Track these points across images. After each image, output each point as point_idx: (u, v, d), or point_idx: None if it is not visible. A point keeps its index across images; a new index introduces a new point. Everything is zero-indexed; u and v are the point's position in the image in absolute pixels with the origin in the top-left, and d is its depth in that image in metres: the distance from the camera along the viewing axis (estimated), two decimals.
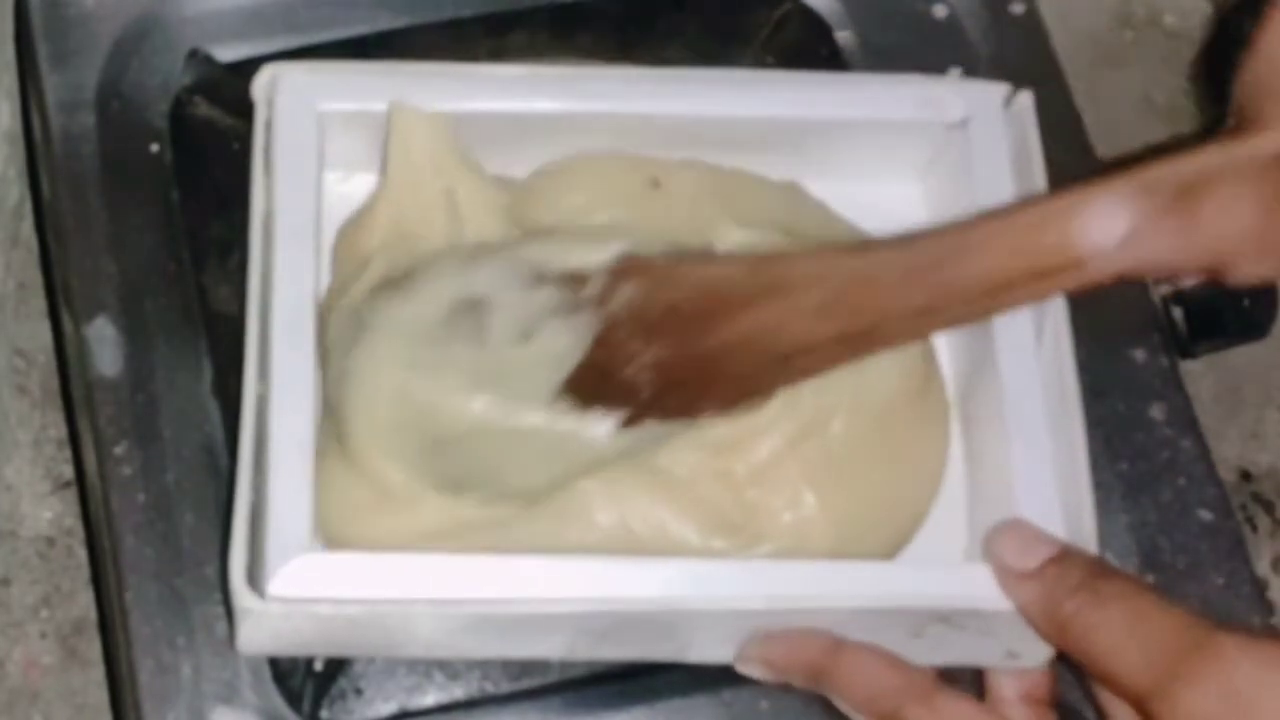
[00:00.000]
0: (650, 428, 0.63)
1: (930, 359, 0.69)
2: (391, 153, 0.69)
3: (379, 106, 0.69)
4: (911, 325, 0.63)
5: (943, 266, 0.61)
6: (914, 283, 0.61)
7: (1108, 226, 0.59)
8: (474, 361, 0.63)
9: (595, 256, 0.64)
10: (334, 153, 0.69)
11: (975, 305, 0.62)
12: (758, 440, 0.65)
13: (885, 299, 0.62)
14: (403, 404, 0.63)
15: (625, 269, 0.64)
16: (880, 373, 0.66)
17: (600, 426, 0.63)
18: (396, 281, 0.65)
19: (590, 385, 0.63)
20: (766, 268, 0.64)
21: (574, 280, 0.64)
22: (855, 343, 0.63)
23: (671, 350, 0.63)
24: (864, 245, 0.67)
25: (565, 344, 0.63)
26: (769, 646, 0.63)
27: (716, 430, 0.65)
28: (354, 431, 0.64)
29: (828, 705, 0.63)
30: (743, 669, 0.64)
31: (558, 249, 0.65)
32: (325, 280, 0.68)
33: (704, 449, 0.65)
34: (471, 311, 0.64)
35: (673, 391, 0.63)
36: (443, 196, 0.68)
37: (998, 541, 0.62)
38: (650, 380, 0.63)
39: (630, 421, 0.63)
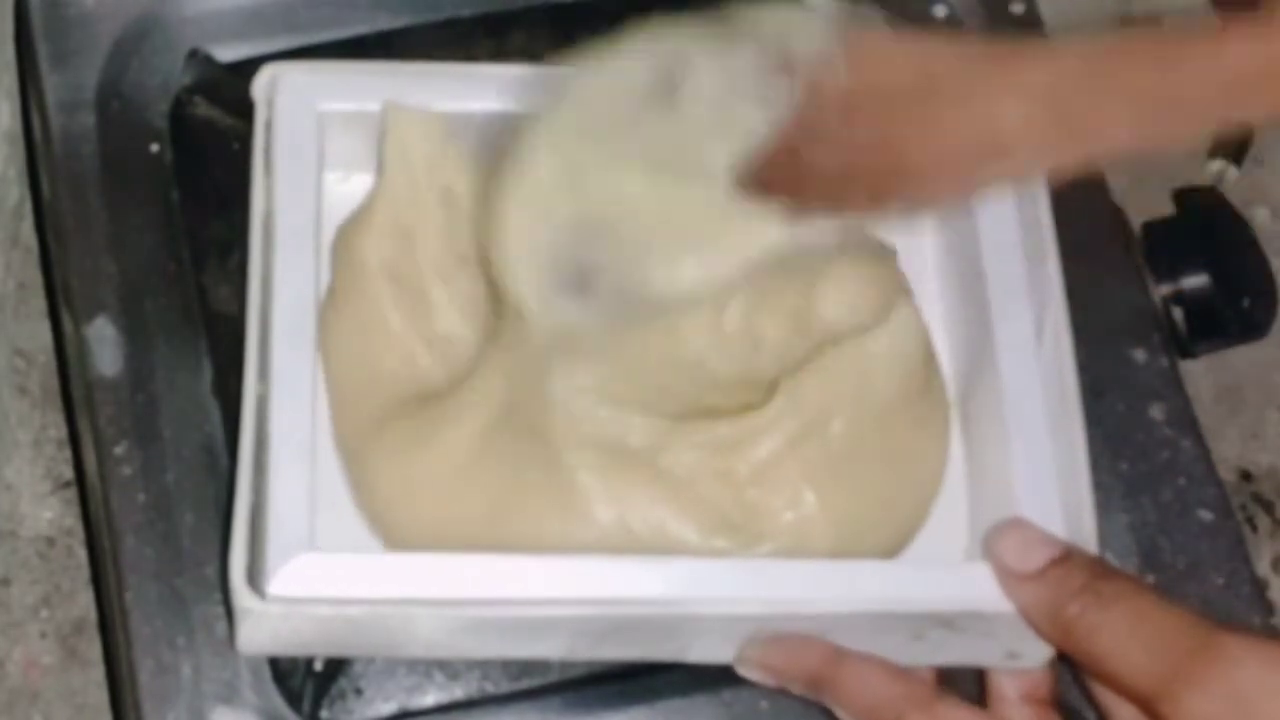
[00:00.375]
0: (817, 230, 0.59)
1: (930, 359, 0.68)
2: (387, 152, 0.69)
3: (379, 107, 0.69)
4: (1129, 133, 0.55)
5: (1184, 65, 0.54)
6: (1146, 84, 0.55)
7: None
8: (655, 127, 0.60)
9: (808, 29, 0.59)
10: (334, 153, 0.69)
11: (1213, 110, 0.55)
12: (758, 440, 0.65)
13: (1110, 101, 0.55)
14: (566, 170, 0.60)
15: (837, 43, 0.58)
16: (880, 373, 0.66)
17: (772, 213, 0.59)
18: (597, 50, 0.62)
19: (773, 167, 0.59)
20: (993, 53, 0.58)
21: (781, 52, 0.59)
22: (1063, 148, 0.57)
23: (868, 131, 0.58)
24: (1100, 37, 0.58)
25: (758, 116, 0.59)
26: (768, 651, 0.63)
27: (717, 430, 0.65)
28: (505, 196, 0.61)
29: (828, 708, 0.63)
30: (742, 672, 0.64)
31: (770, 19, 0.60)
32: (325, 280, 0.68)
33: (704, 448, 0.65)
34: (664, 79, 0.60)
35: (859, 179, 0.58)
36: (441, 194, 0.68)
37: (998, 542, 0.62)
38: (839, 164, 0.58)
39: (805, 209, 0.59)
